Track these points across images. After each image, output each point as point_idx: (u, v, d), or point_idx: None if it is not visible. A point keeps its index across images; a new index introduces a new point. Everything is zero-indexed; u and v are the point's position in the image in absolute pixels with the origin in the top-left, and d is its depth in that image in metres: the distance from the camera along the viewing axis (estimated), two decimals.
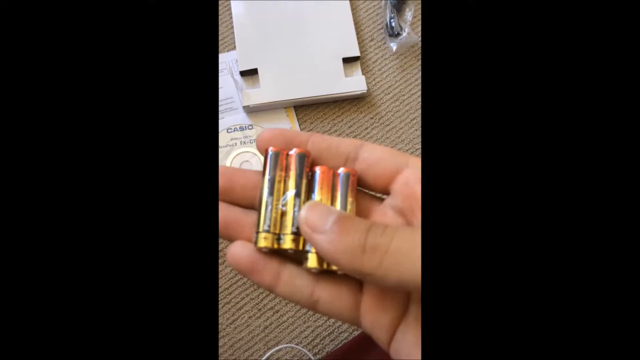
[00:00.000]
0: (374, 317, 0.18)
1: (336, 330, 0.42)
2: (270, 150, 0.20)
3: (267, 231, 0.19)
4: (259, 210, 0.19)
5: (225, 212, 0.20)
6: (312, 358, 0.40)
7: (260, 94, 0.46)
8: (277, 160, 0.20)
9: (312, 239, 0.17)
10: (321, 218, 0.17)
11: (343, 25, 0.49)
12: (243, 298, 0.43)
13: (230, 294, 0.43)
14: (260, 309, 0.42)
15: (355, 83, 0.47)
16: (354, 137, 0.48)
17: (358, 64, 0.49)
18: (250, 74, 0.47)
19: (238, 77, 0.47)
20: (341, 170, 0.20)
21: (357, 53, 0.48)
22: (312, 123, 0.48)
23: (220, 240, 0.41)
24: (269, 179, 0.20)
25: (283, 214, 0.20)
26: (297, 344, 0.41)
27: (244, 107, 0.46)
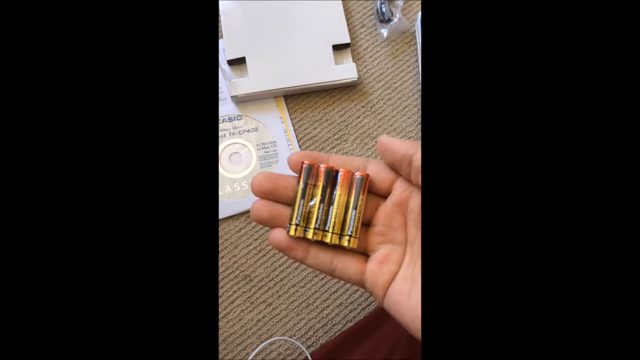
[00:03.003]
0: (374, 279, 0.27)
1: (330, 322, 0.44)
2: (305, 163, 0.28)
3: (297, 224, 0.28)
4: (292, 207, 0.28)
5: (271, 207, 0.28)
6: (305, 350, 0.41)
7: (248, 84, 0.47)
8: (310, 172, 0.28)
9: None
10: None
11: (333, 11, 0.50)
12: (235, 291, 0.44)
13: (221, 287, 0.44)
14: (252, 302, 0.44)
15: (345, 71, 0.48)
16: (345, 126, 0.49)
17: (348, 51, 0.50)
18: (237, 62, 0.48)
19: (226, 66, 0.47)
20: (357, 174, 0.28)
21: (347, 40, 0.49)
22: (302, 112, 0.49)
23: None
24: (303, 186, 0.28)
25: (310, 212, 0.28)
26: (290, 337, 0.43)
27: (232, 97, 0.47)
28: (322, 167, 0.28)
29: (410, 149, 0.26)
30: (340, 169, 0.28)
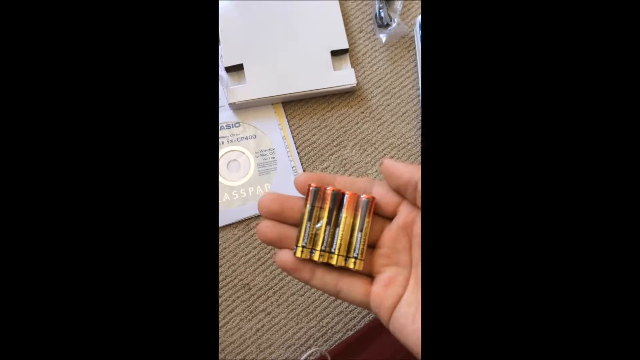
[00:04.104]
0: (379, 302, 0.28)
1: (329, 331, 0.44)
2: (312, 186, 0.29)
3: (304, 246, 0.28)
4: (299, 229, 0.29)
5: (278, 228, 0.29)
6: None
7: (246, 91, 0.47)
8: (316, 194, 0.29)
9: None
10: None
11: (331, 16, 0.50)
12: (234, 301, 0.44)
13: (220, 296, 0.44)
14: (251, 312, 0.44)
15: (344, 77, 0.48)
16: (344, 132, 0.49)
17: (347, 57, 0.50)
18: (235, 69, 0.48)
19: (223, 73, 0.47)
20: (363, 196, 0.29)
21: (345, 45, 0.49)
22: (300, 119, 0.49)
23: None
24: (310, 209, 0.29)
25: (317, 235, 0.29)
26: (289, 346, 0.43)
27: (230, 104, 0.47)
28: (329, 190, 0.29)
29: (415, 173, 0.26)
30: (347, 192, 0.29)
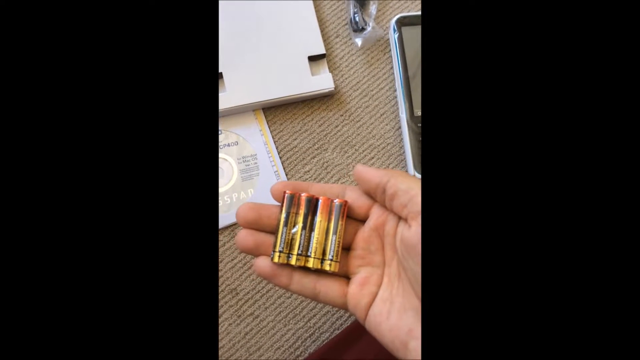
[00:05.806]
0: (355, 302, 0.29)
1: (317, 331, 0.44)
2: (287, 193, 0.30)
3: (281, 251, 0.29)
4: (276, 235, 0.30)
5: (256, 236, 0.30)
6: None
7: (226, 99, 0.48)
8: (292, 201, 0.30)
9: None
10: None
11: (307, 23, 0.51)
12: (222, 306, 0.45)
13: None
14: (239, 316, 0.45)
15: (322, 81, 0.49)
16: (324, 136, 0.50)
17: (324, 62, 0.51)
18: None
19: None
20: (336, 201, 0.31)
21: (322, 51, 0.50)
22: (281, 124, 0.50)
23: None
24: (285, 215, 0.30)
25: (293, 239, 0.30)
26: (278, 348, 0.44)
27: None
28: (303, 196, 0.30)
29: (384, 177, 0.28)
30: (320, 197, 0.30)
